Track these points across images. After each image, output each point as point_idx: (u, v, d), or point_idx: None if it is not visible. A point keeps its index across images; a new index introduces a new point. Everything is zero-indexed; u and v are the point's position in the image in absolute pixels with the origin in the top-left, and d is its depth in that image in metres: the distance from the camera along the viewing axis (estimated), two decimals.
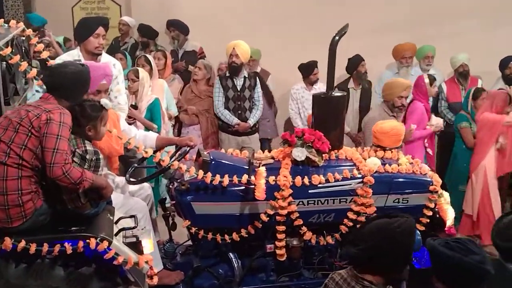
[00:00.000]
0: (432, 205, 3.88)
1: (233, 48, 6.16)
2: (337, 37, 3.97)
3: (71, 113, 3.22)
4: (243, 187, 3.69)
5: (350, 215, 3.77)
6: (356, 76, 6.76)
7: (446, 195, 3.99)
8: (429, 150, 5.72)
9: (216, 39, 7.42)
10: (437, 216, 3.92)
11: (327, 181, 3.70)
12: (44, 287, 3.04)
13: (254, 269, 3.89)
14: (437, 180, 3.92)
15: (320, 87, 6.59)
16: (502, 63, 6.75)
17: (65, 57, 4.48)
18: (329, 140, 3.85)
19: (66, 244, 3.04)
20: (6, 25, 3.71)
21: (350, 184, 3.76)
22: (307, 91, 6.74)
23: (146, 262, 3.23)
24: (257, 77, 6.56)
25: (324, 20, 7.28)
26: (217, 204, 3.73)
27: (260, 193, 3.53)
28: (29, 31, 3.85)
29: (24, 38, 3.78)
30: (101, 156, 3.36)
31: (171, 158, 3.77)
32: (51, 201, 3.17)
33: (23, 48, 3.72)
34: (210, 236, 3.76)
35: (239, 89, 6.35)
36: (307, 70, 6.70)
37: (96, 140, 3.43)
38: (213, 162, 3.77)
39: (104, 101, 3.42)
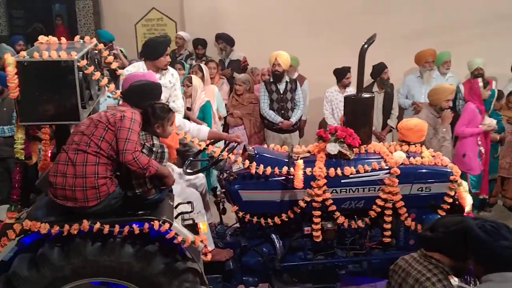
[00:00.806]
0: (452, 193, 3.75)
1: (275, 58, 6.18)
2: (366, 45, 3.88)
3: (143, 113, 3.34)
4: (283, 177, 3.65)
5: (378, 202, 3.67)
6: (380, 82, 6.64)
7: (464, 184, 3.86)
8: (481, 148, 5.59)
9: (258, 49, 7.40)
10: (457, 203, 3.79)
11: (357, 172, 3.63)
12: (116, 263, 3.06)
13: (293, 248, 3.84)
14: (456, 170, 3.78)
15: (351, 90, 6.48)
16: None
17: (130, 68, 4.53)
18: (359, 136, 3.77)
19: (134, 226, 3.08)
20: (82, 40, 3.78)
21: (378, 175, 3.66)
22: (340, 94, 6.59)
23: (201, 242, 3.23)
24: (297, 81, 6.53)
25: (354, 29, 7.11)
26: (261, 192, 3.71)
27: (298, 183, 3.48)
28: (100, 46, 3.90)
29: (96, 51, 3.82)
30: (166, 149, 3.40)
31: (221, 151, 3.76)
32: (123, 188, 3.21)
33: (95, 60, 3.75)
34: (255, 219, 3.74)
35: (281, 92, 6.36)
36: (341, 75, 6.58)
37: (163, 137, 3.46)
38: (257, 156, 3.73)
39: (172, 104, 3.49)
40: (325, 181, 3.57)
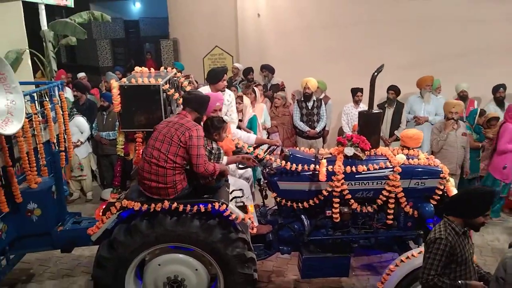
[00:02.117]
0: (442, 187, 3.70)
1: (306, 83, 6.32)
2: (375, 73, 3.89)
3: (204, 124, 3.40)
4: (311, 172, 3.67)
5: (384, 192, 3.67)
6: (388, 100, 6.63)
7: (452, 180, 3.80)
8: None
9: (292, 75, 7.48)
10: (445, 195, 3.72)
11: (368, 169, 3.63)
12: (187, 232, 3.19)
13: (318, 226, 3.85)
14: (445, 170, 3.73)
15: (363, 106, 6.49)
16: (494, 89, 6.42)
17: (201, 89, 4.70)
18: (369, 142, 3.77)
19: (201, 206, 3.20)
20: (165, 70, 3.95)
21: (384, 172, 3.65)
22: (354, 108, 6.66)
23: (249, 219, 3.33)
24: (322, 101, 6.60)
25: (367, 58, 7.04)
26: (294, 183, 3.72)
27: (322, 177, 3.51)
28: (178, 74, 4.09)
29: (176, 78, 3.98)
30: (222, 150, 3.50)
31: (264, 153, 3.82)
32: (191, 180, 3.31)
33: (175, 84, 3.91)
34: (289, 203, 3.78)
35: (310, 108, 6.45)
36: (354, 93, 6.65)
37: (219, 141, 3.55)
38: (291, 156, 3.78)
39: (225, 117, 3.59)
40: (343, 176, 3.60)
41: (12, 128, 2.92)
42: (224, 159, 3.50)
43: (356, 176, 3.66)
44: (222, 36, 9.02)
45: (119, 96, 3.37)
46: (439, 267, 2.41)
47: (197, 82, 7.53)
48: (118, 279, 3.27)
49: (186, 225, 3.19)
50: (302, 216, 3.84)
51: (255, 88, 6.38)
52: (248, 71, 7.77)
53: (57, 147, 4.08)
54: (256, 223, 3.55)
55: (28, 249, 3.84)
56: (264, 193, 4.04)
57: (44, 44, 7.06)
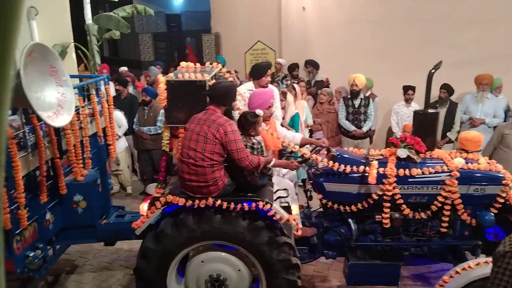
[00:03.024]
0: (504, 195, 3.47)
1: (353, 79, 6.13)
2: (433, 70, 3.71)
3: (238, 121, 3.36)
4: (360, 174, 3.56)
5: (440, 198, 3.49)
6: (440, 100, 6.34)
7: None
8: None
9: (338, 72, 7.34)
10: (507, 203, 3.51)
11: (423, 173, 3.47)
12: (233, 231, 3.16)
13: (366, 231, 3.74)
14: (509, 176, 3.50)
15: (415, 105, 6.27)
16: None
17: (243, 86, 4.68)
18: (424, 144, 3.60)
19: (244, 204, 3.18)
20: (211, 65, 3.96)
21: (440, 176, 3.48)
22: (405, 107, 6.44)
23: (294, 220, 3.27)
24: (369, 98, 6.40)
25: (417, 56, 6.93)
26: (341, 185, 3.63)
27: (372, 179, 3.40)
28: (224, 70, 4.09)
29: (221, 74, 3.99)
30: (263, 143, 3.45)
31: (311, 152, 3.73)
32: (235, 177, 3.30)
33: (220, 79, 3.93)
34: (335, 206, 3.68)
35: (356, 107, 6.26)
36: (405, 91, 6.44)
37: (257, 135, 3.49)
38: (339, 156, 3.68)
39: (258, 111, 3.51)
40: (395, 179, 3.46)
41: (62, 120, 3.01)
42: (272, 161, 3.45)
43: (409, 180, 3.51)
44: (265, 31, 8.93)
45: (165, 91, 3.39)
46: (510, 283, 2.24)
47: (238, 78, 7.54)
48: (161, 272, 3.30)
49: (233, 224, 3.17)
50: (349, 220, 3.73)
51: (294, 85, 6.29)
52: (294, 67, 7.68)
53: (103, 140, 4.18)
54: (300, 225, 3.47)
55: (72, 240, 3.97)
56: (309, 194, 3.96)
57: (88, 37, 7.28)
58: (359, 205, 3.62)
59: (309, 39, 8.23)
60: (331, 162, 3.59)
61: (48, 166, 3.52)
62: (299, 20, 8.35)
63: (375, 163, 3.52)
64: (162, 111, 6.21)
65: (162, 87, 3.38)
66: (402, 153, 3.57)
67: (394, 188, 3.48)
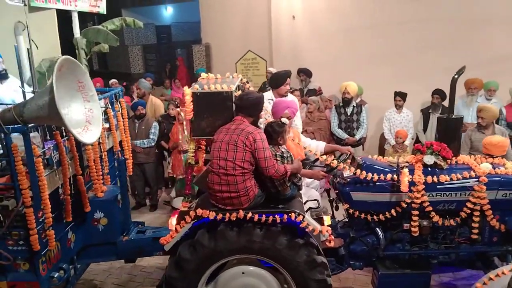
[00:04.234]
0: None
1: (345, 87, 6.30)
2: (456, 76, 3.78)
3: (266, 131, 3.39)
4: (388, 182, 3.58)
5: (468, 204, 3.54)
6: (432, 105, 6.62)
7: None
8: None
9: (330, 80, 7.49)
10: None
11: (451, 179, 3.52)
12: (271, 247, 3.14)
13: (394, 240, 3.76)
14: None
15: (406, 111, 6.70)
16: None
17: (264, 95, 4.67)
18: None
19: (277, 216, 3.17)
20: (231, 76, 3.93)
21: (469, 182, 3.53)
22: (397, 114, 6.70)
23: (327, 231, 3.27)
24: (361, 106, 6.53)
25: (410, 62, 7.28)
26: (369, 194, 3.65)
27: (404, 187, 3.43)
28: (244, 80, 4.07)
29: (241, 84, 3.96)
30: (290, 153, 3.48)
31: (338, 161, 3.71)
32: (265, 187, 3.32)
33: (241, 90, 3.90)
34: (363, 215, 3.71)
35: (349, 114, 6.41)
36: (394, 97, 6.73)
37: (284, 144, 3.52)
38: (365, 165, 3.71)
39: (284, 119, 3.57)
40: (423, 186, 3.50)
41: (91, 136, 3.01)
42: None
43: (437, 186, 3.56)
44: (255, 40, 9.09)
45: (191, 103, 3.41)
46: None
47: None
48: (193, 284, 3.28)
49: (271, 239, 3.16)
50: (377, 229, 3.76)
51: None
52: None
53: (122, 155, 4.18)
54: (333, 236, 3.45)
55: (93, 259, 3.94)
56: (334, 204, 3.99)
57: (76, 51, 7.29)
58: (387, 214, 3.64)
59: (300, 48, 8.37)
60: (358, 171, 3.61)
61: (69, 183, 3.50)
62: (289, 29, 8.50)
63: (406, 170, 3.53)
64: (154, 123, 6.33)
65: (188, 99, 3.40)
66: (429, 159, 3.62)
67: (422, 195, 3.52)
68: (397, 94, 6.64)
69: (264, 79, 8.14)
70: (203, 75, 3.91)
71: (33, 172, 2.96)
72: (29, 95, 3.69)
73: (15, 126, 2.92)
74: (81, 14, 7.47)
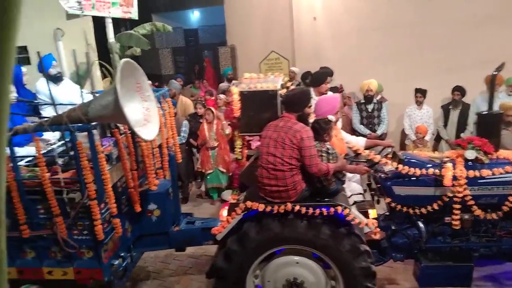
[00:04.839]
0: None
1: (368, 85, 6.40)
2: (495, 72, 3.84)
3: (313, 128, 3.52)
4: (430, 177, 3.64)
5: (510, 198, 3.59)
6: (453, 102, 6.71)
7: None
8: None
9: (350, 77, 7.63)
10: None
11: (493, 174, 3.57)
12: (316, 237, 3.29)
13: (435, 233, 3.83)
14: None
15: (426, 108, 6.81)
16: None
17: None
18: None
19: (323, 209, 3.32)
20: (272, 76, 4.05)
21: (510, 176, 3.58)
22: (417, 110, 6.82)
23: (373, 224, 3.40)
24: (382, 103, 6.62)
25: (426, 59, 7.51)
26: (411, 188, 3.74)
27: (448, 181, 3.50)
28: (285, 79, 4.21)
29: (283, 83, 4.12)
30: (336, 150, 3.61)
31: (381, 156, 3.81)
32: (311, 182, 3.45)
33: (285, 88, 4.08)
34: (404, 209, 3.79)
35: (370, 111, 6.50)
36: (414, 93, 6.84)
37: (329, 141, 3.63)
38: (406, 159, 3.79)
39: (330, 117, 3.68)
40: (465, 180, 3.56)
41: (150, 133, 3.24)
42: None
43: (479, 181, 3.61)
44: (278, 41, 9.38)
45: (239, 101, 3.59)
46: None
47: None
48: (241, 274, 3.48)
49: (315, 230, 3.31)
50: (418, 222, 3.84)
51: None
52: (306, 75, 7.90)
53: (172, 151, 4.42)
54: (378, 229, 3.55)
55: (147, 247, 4.20)
56: (376, 198, 4.08)
57: (111, 55, 7.68)
58: (429, 208, 3.72)
59: (321, 47, 8.58)
60: (400, 166, 3.70)
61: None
62: (311, 29, 8.74)
63: (449, 165, 3.60)
64: (185, 122, 6.59)
65: (235, 98, 3.58)
66: (471, 154, 3.68)
67: (464, 189, 3.59)
68: (417, 90, 6.77)
69: (287, 78, 8.31)
70: (246, 74, 4.08)
71: (97, 167, 3.21)
72: (86, 96, 3.96)
73: (80, 125, 3.17)
74: (115, 20, 7.89)
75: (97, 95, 3.88)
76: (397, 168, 3.72)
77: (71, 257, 3.46)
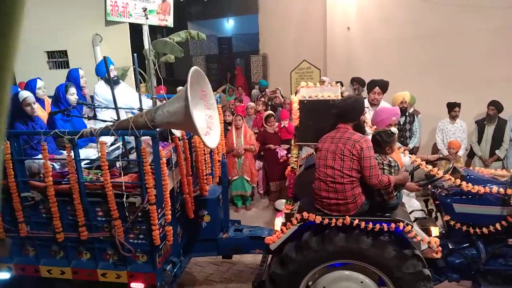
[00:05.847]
0: None
1: (403, 97, 6.26)
2: None
3: (375, 140, 3.41)
4: (494, 195, 3.50)
5: None
6: (488, 117, 6.53)
7: None
8: None
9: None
10: None
11: None
12: (376, 253, 3.17)
13: (496, 255, 3.67)
14: None
15: (460, 122, 6.63)
16: None
17: None
18: None
19: (384, 224, 3.20)
20: (329, 85, 3.89)
21: None
22: (450, 124, 6.64)
23: (435, 243, 3.28)
24: (414, 115, 6.45)
25: (462, 71, 7.31)
26: (473, 206, 3.60)
27: None
28: (343, 88, 4.11)
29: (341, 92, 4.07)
30: (397, 163, 3.49)
31: (444, 172, 3.64)
32: (370, 195, 3.34)
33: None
34: (464, 228, 3.66)
35: (401, 124, 6.29)
36: (451, 108, 6.68)
37: (391, 154, 3.51)
38: (468, 176, 3.68)
39: (393, 129, 3.56)
40: None
41: (213, 141, 3.23)
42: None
43: None
44: (310, 51, 9.37)
45: (298, 110, 3.54)
46: None
47: (283, 97, 7.87)
48: (295, 282, 3.40)
49: (380, 249, 3.21)
50: (478, 242, 3.70)
51: None
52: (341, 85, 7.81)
53: (223, 157, 4.42)
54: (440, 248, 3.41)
55: (196, 253, 4.20)
56: (433, 215, 3.96)
57: (146, 61, 7.81)
58: (491, 228, 3.57)
59: (353, 57, 8.50)
60: (464, 183, 3.56)
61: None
62: (343, 39, 8.67)
63: None
64: None
65: (295, 107, 3.54)
66: None
67: None
68: (455, 104, 6.59)
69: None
70: (303, 83, 4.03)
71: (159, 172, 3.22)
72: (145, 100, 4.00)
73: (146, 130, 3.18)
74: (151, 27, 8.07)
75: (156, 99, 3.91)
76: (460, 185, 3.59)
77: (126, 261, 3.48)
